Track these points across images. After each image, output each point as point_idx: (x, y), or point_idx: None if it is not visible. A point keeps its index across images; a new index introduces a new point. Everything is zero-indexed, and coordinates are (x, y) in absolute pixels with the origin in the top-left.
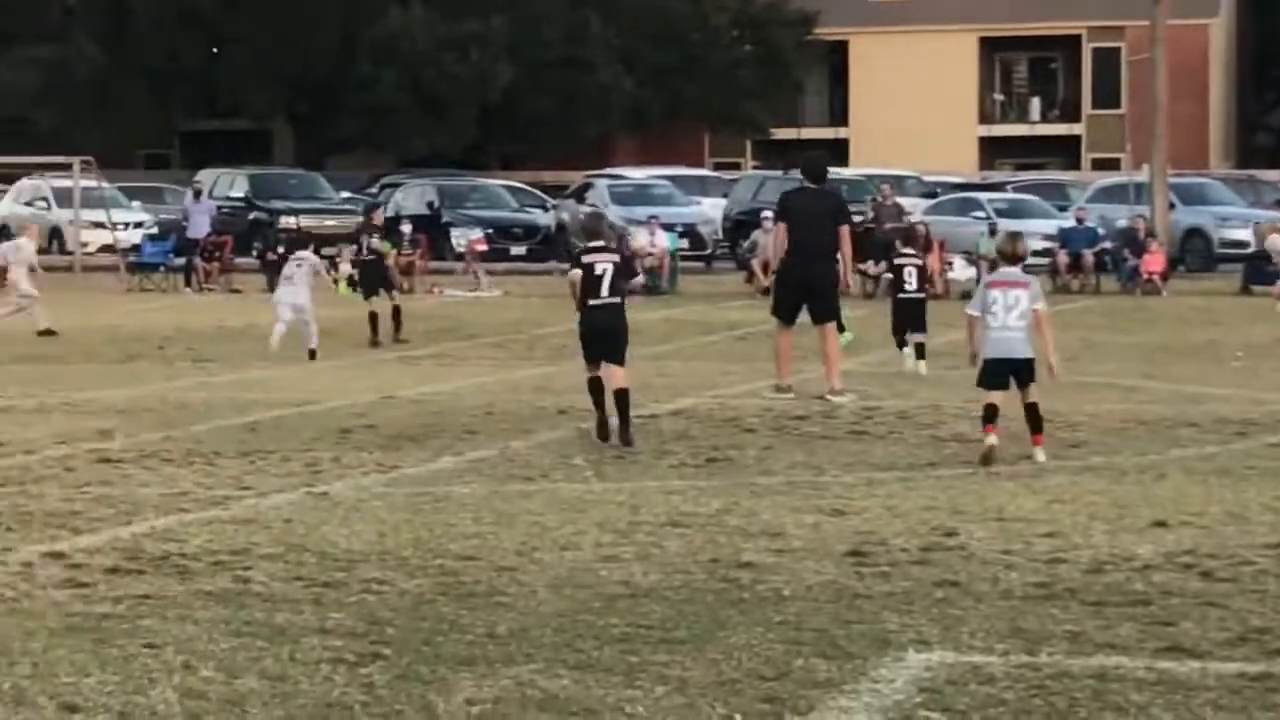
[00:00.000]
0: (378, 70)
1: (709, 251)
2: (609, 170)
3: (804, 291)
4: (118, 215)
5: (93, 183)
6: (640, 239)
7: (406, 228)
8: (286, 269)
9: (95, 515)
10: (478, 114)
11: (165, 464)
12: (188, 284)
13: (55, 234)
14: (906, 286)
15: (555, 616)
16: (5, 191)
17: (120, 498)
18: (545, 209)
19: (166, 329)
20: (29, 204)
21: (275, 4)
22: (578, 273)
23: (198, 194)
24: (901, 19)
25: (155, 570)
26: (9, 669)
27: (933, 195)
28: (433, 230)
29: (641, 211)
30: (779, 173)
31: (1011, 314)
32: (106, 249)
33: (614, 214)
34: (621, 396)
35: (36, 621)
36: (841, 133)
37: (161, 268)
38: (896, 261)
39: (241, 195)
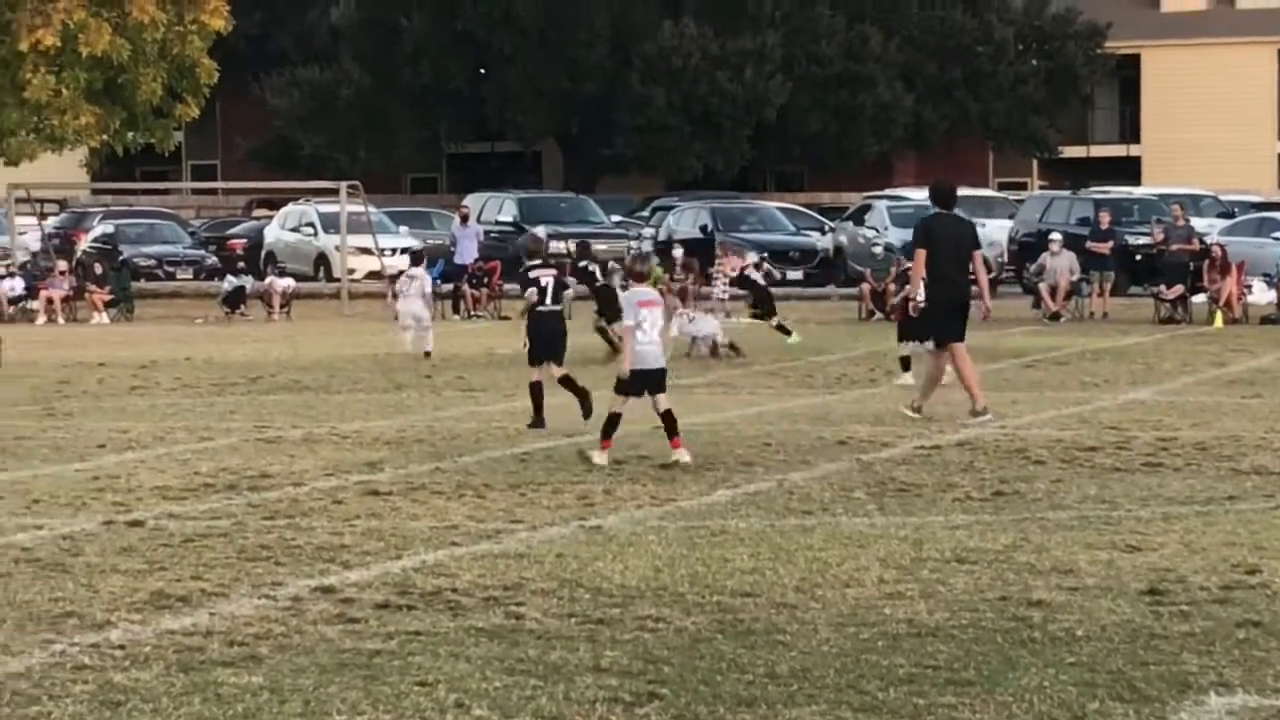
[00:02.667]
0: (649, 89)
1: (994, 275)
2: (889, 191)
3: (957, 309)
4: (384, 241)
5: (359, 208)
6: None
7: (678, 252)
8: (399, 284)
9: (365, 549)
10: (752, 133)
11: (435, 496)
12: (455, 311)
13: (321, 260)
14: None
15: (838, 656)
16: (271, 217)
17: (390, 531)
18: (823, 231)
19: (434, 357)
20: (295, 229)
21: (545, 23)
22: (533, 291)
23: (464, 218)
24: (1196, 31)
25: (426, 606)
26: (280, 706)
27: (1230, 215)
28: (706, 255)
29: None
30: (1067, 193)
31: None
32: (373, 275)
33: (893, 236)
34: (567, 380)
35: (307, 658)
36: (1133, 150)
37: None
38: None
39: (510, 219)
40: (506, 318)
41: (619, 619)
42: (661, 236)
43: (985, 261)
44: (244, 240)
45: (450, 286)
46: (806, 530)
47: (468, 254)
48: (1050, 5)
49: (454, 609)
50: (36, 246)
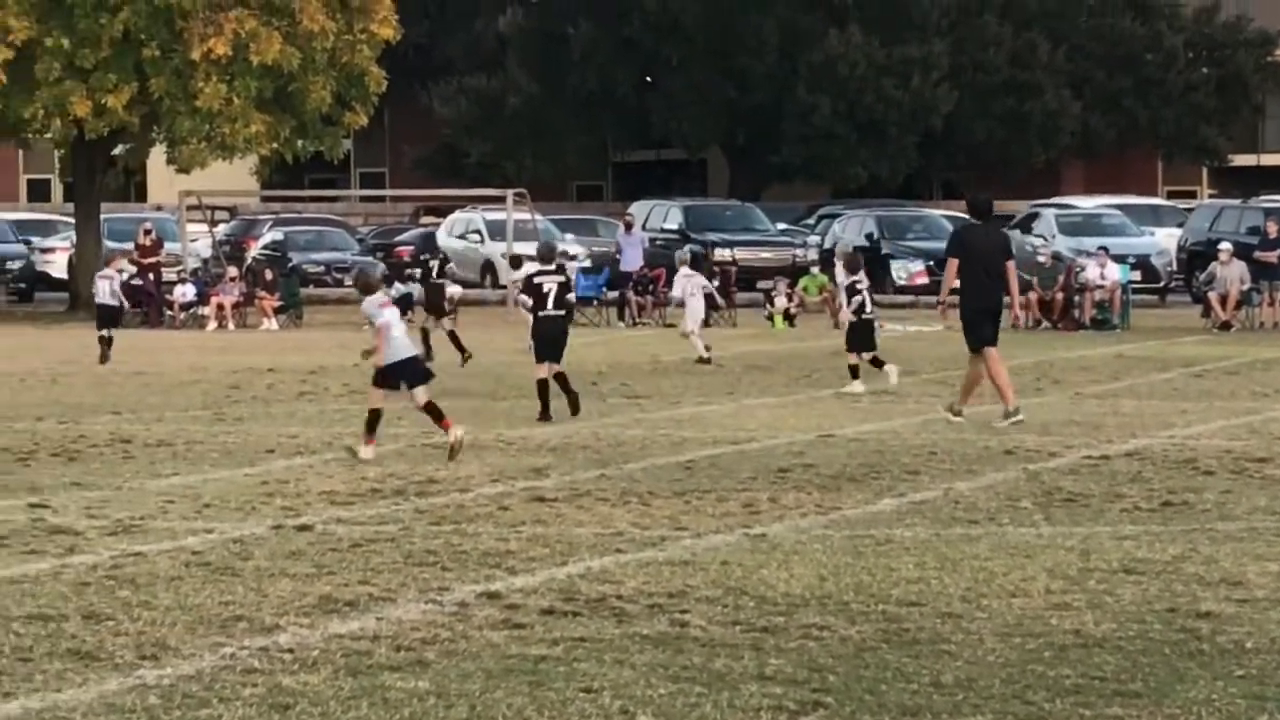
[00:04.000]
0: (815, 97)
1: (1163, 284)
2: (1056, 200)
3: (992, 316)
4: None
5: (525, 215)
6: (1090, 272)
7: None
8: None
9: (530, 555)
10: (918, 141)
11: (600, 503)
12: (621, 318)
13: (488, 268)
14: (864, 310)
15: (1003, 666)
16: (438, 224)
17: (555, 537)
18: None
19: (600, 364)
20: (462, 237)
21: (712, 31)
22: (525, 299)
23: (629, 226)
24: None
25: (591, 612)
26: (446, 711)
27: None
28: (871, 262)
29: (1091, 242)
30: (1237, 202)
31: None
32: None
33: (1061, 245)
34: (562, 378)
35: (473, 663)
36: None
37: (594, 301)
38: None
39: (675, 227)
40: (672, 325)
41: (784, 627)
42: (827, 244)
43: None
44: (411, 247)
45: (616, 294)
46: (972, 540)
47: (633, 261)
48: (1220, 12)
49: (619, 616)
50: (208, 253)
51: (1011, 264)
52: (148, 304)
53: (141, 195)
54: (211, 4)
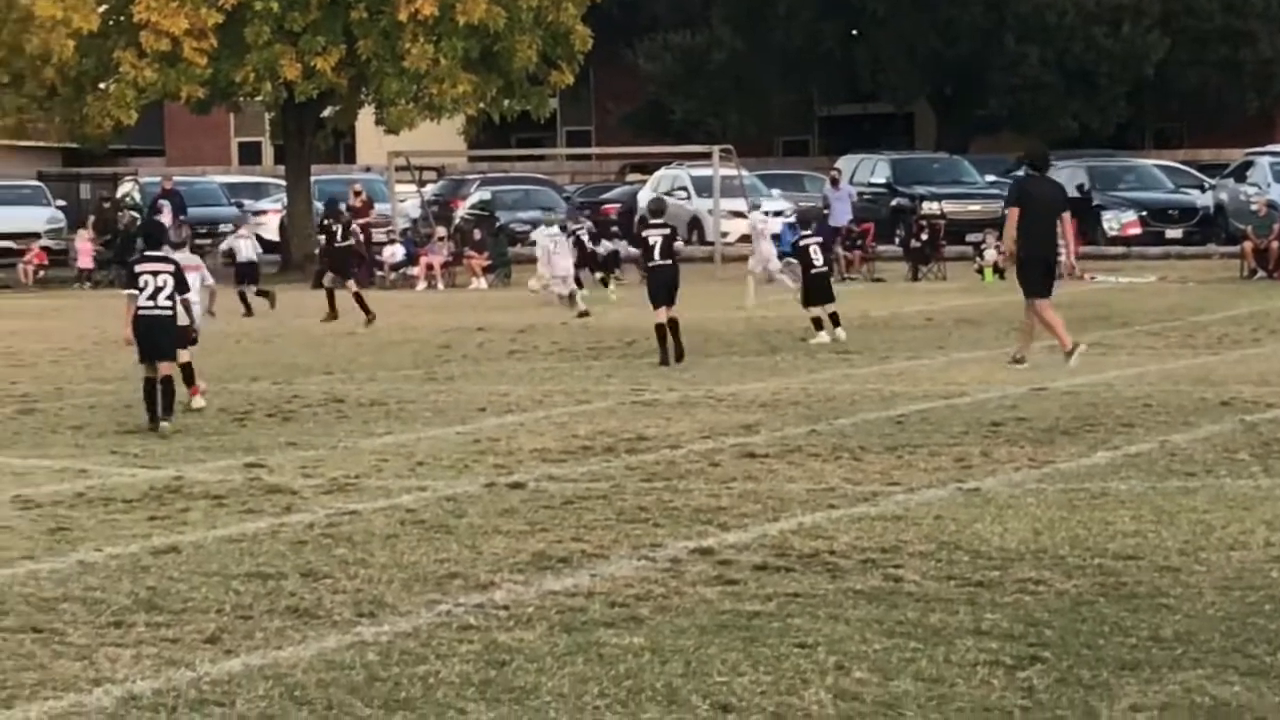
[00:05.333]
0: (1023, 47)
1: None
2: (1271, 147)
3: (1048, 267)
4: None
5: (732, 171)
6: None
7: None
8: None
9: (742, 511)
10: (1129, 90)
11: (811, 459)
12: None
13: (695, 224)
14: (814, 264)
15: (1223, 620)
16: (644, 181)
17: (766, 493)
18: (1203, 189)
19: (805, 320)
20: (668, 193)
21: None
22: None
23: (834, 181)
24: None
25: (804, 568)
26: (661, 667)
27: None
28: (1083, 214)
29: None
30: None
31: None
32: (746, 239)
33: (1276, 193)
34: (674, 324)
35: (687, 619)
36: None
37: None
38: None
39: (883, 181)
40: (880, 279)
41: (998, 581)
42: None
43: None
44: (618, 205)
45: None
46: (1189, 492)
47: (841, 216)
48: None
49: (832, 571)
50: (416, 214)
51: (1068, 215)
52: (358, 265)
53: (350, 157)
54: None
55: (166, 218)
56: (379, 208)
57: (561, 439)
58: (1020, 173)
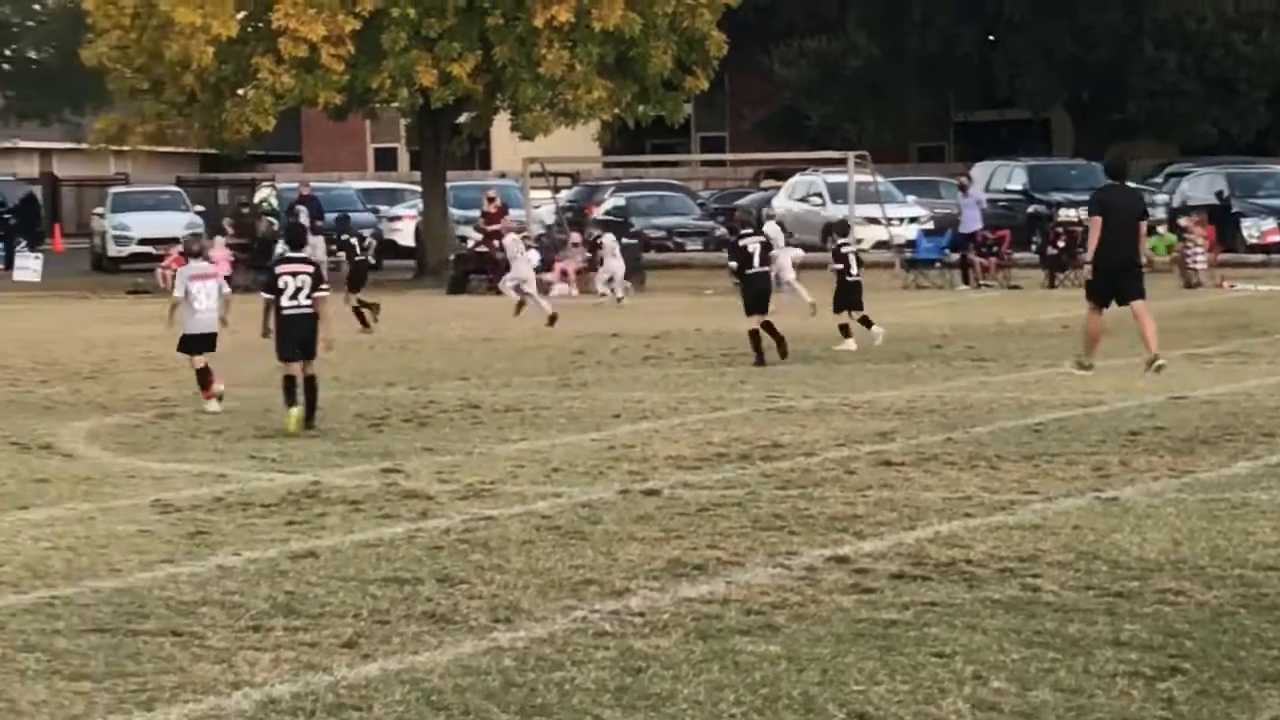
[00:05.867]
0: (1161, 52)
1: None
2: None
3: (1118, 276)
4: (892, 210)
5: (867, 177)
6: None
7: (1185, 220)
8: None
9: (878, 519)
10: (1268, 96)
11: (947, 467)
12: (965, 281)
13: (829, 230)
14: (850, 271)
15: None
16: (779, 187)
17: (902, 501)
18: None
19: (943, 327)
20: (803, 200)
21: None
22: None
23: (963, 188)
24: None
25: (941, 576)
26: (798, 675)
27: None
28: (1222, 221)
29: None
30: None
31: None
32: (881, 245)
33: None
34: (769, 325)
35: (823, 627)
36: None
37: (937, 264)
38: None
39: (1019, 188)
40: (1016, 286)
41: (1138, 592)
42: (1175, 203)
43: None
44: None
45: (958, 256)
46: None
47: (971, 223)
48: None
49: (969, 580)
50: (551, 220)
51: (1144, 224)
52: (492, 270)
53: (486, 163)
54: None
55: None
56: (513, 214)
57: (696, 446)
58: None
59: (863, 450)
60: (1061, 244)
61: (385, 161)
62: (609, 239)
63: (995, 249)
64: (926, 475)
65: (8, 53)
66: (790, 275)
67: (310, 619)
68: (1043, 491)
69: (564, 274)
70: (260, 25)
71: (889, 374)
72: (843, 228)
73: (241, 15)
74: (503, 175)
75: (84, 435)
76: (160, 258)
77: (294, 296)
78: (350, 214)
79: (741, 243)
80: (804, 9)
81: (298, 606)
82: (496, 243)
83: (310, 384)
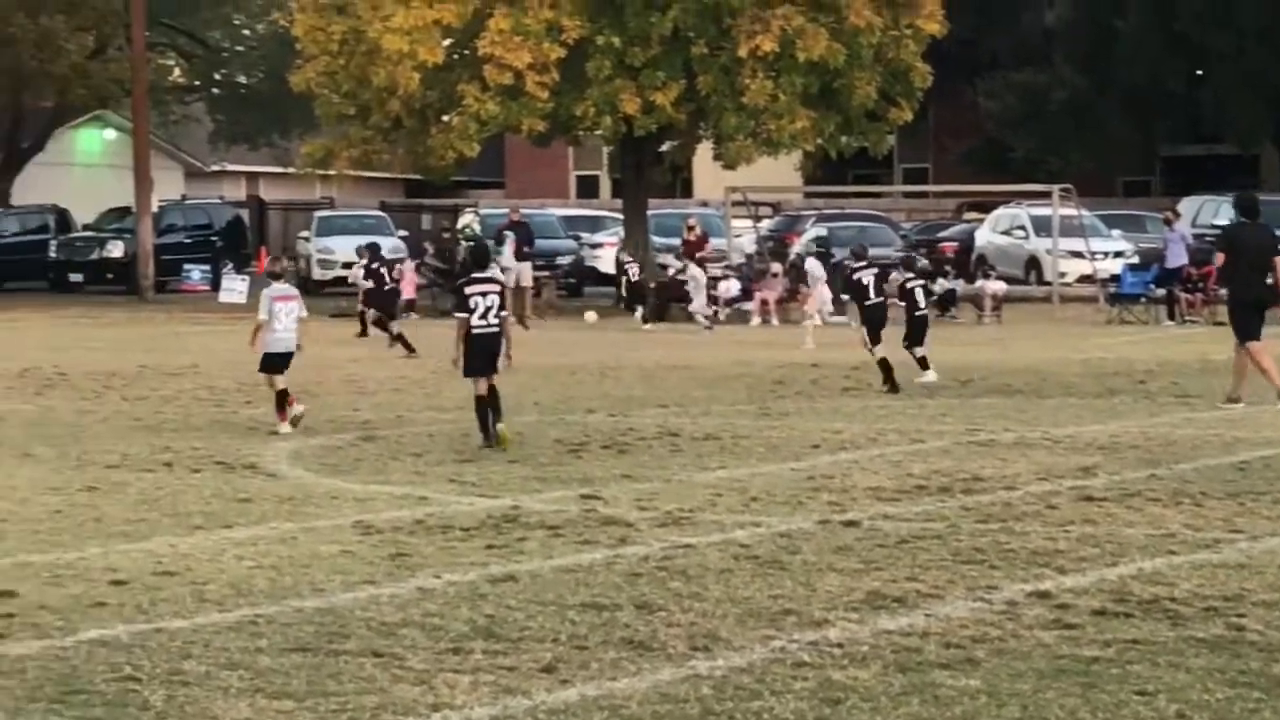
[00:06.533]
0: None
1: None
2: None
3: (1259, 310)
4: (1096, 244)
5: (1071, 211)
6: None
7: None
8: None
9: (1080, 555)
10: None
11: (1150, 503)
12: (1170, 316)
13: (1032, 263)
14: (918, 306)
15: None
16: (981, 220)
17: (1105, 537)
18: None
19: (1148, 362)
20: (1006, 233)
21: (1265, 22)
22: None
23: (1168, 222)
24: None
25: (1144, 614)
26: (997, 710)
27: None
28: None
29: None
30: None
31: None
32: (1085, 279)
33: None
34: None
35: (1024, 663)
36: None
37: (1142, 299)
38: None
39: (1227, 223)
40: (1222, 323)
41: None
42: None
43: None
44: (955, 244)
45: (1163, 291)
46: None
47: (1175, 258)
48: None
49: (1173, 618)
50: (752, 249)
51: (1277, 260)
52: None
53: (687, 191)
54: (759, 2)
55: (509, 248)
56: (714, 242)
57: (896, 477)
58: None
59: (1064, 485)
60: (1269, 281)
61: (587, 188)
62: (815, 265)
63: (1201, 285)
64: (1129, 511)
65: (217, 77)
66: (829, 308)
67: (509, 643)
68: (1248, 530)
69: (764, 304)
70: (466, 52)
71: (1092, 409)
72: (909, 263)
73: (448, 42)
74: (704, 204)
75: (287, 456)
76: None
77: (484, 315)
78: (378, 245)
79: (856, 275)
80: (1010, 41)
81: (497, 630)
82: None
83: (491, 391)
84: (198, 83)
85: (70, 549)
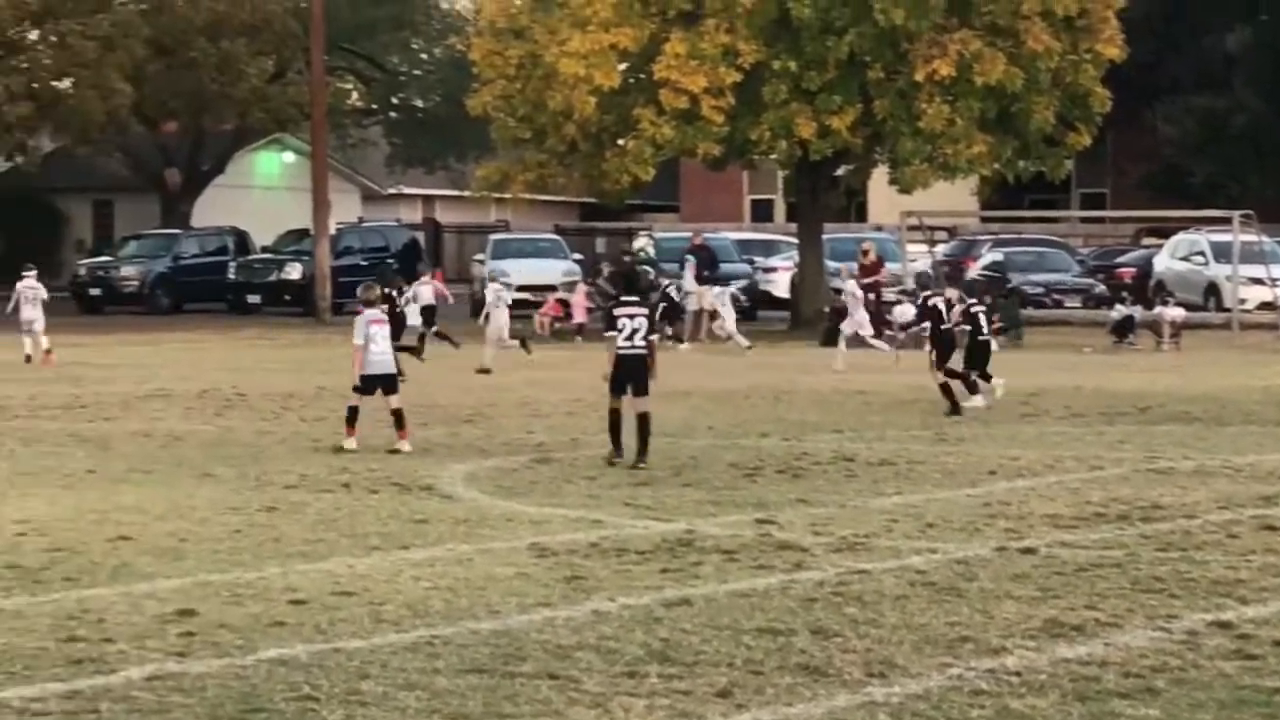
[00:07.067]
0: None
1: None
2: None
3: None
4: (1277, 271)
5: (1251, 237)
6: None
7: None
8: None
9: (1262, 584)
10: None
11: None
12: None
13: (1211, 290)
14: (981, 331)
15: None
16: (1160, 246)
17: None
18: None
19: None
20: (1185, 259)
21: None
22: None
23: None
24: None
25: None
26: None
27: None
28: None
29: None
30: None
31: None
32: (1265, 306)
33: None
34: (946, 385)
35: (1205, 693)
36: None
37: None
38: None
39: None
40: None
41: None
42: None
43: None
44: (1133, 269)
45: None
46: None
47: None
48: None
49: None
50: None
51: None
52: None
53: (862, 215)
54: (936, 26)
55: (689, 271)
56: (890, 267)
57: (1074, 505)
58: None
59: (1245, 514)
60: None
61: (761, 212)
62: (853, 286)
63: None
64: None
65: (395, 101)
66: (867, 330)
67: (684, 667)
68: None
69: None
70: (642, 77)
71: (1273, 436)
72: (970, 288)
73: (624, 67)
74: (879, 228)
75: (462, 478)
76: (539, 304)
77: (630, 337)
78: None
79: (930, 302)
80: (1190, 65)
81: (672, 654)
82: (872, 295)
83: (643, 421)
84: (375, 106)
85: (250, 568)
